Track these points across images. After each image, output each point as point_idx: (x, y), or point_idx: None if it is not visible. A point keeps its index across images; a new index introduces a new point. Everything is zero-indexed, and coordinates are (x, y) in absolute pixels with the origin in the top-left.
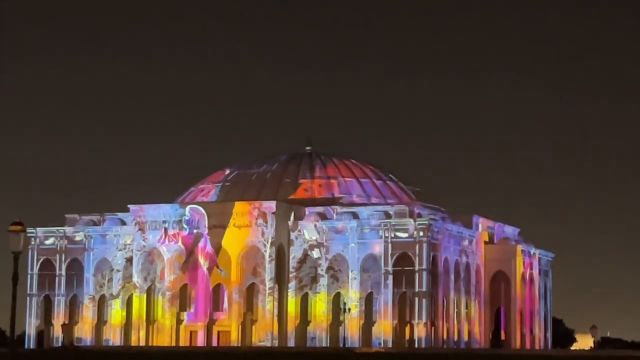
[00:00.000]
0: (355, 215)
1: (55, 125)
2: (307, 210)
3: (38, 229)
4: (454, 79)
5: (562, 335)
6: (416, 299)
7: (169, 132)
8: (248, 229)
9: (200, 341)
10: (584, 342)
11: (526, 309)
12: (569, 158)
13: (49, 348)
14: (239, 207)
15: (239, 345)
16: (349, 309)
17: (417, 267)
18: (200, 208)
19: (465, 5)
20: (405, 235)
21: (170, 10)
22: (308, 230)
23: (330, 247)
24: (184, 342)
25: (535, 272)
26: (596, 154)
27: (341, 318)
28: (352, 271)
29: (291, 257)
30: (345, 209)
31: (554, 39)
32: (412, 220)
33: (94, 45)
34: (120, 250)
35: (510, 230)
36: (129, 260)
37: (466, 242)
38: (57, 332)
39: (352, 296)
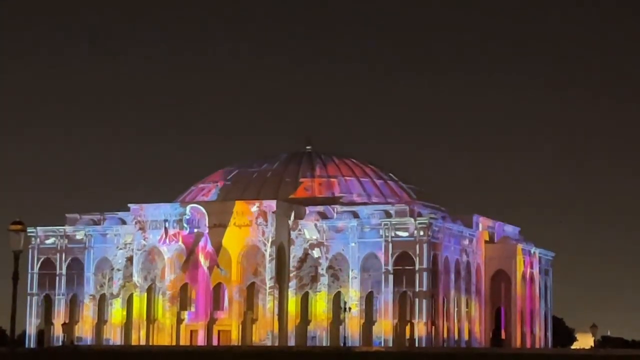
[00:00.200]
0: (355, 215)
1: (56, 125)
2: (308, 209)
3: (38, 228)
4: (454, 79)
5: (563, 334)
6: (416, 298)
7: (169, 131)
8: (248, 228)
9: (201, 340)
10: (584, 341)
11: (526, 308)
12: (569, 157)
13: (50, 347)
14: (240, 206)
15: (240, 344)
16: (350, 308)
17: (417, 267)
18: (201, 207)
19: (465, 5)
20: (405, 234)
21: (171, 11)
22: (308, 229)
23: (331, 246)
24: (184, 341)
25: (536, 271)
26: (596, 154)
27: (342, 317)
28: (352, 270)
29: (291, 256)
30: (345, 208)
31: (554, 39)
32: (412, 219)
33: (94, 45)
34: (121, 249)
35: (510, 230)
36: (130, 259)
37: (466, 241)
38: (58, 331)
39: (353, 295)
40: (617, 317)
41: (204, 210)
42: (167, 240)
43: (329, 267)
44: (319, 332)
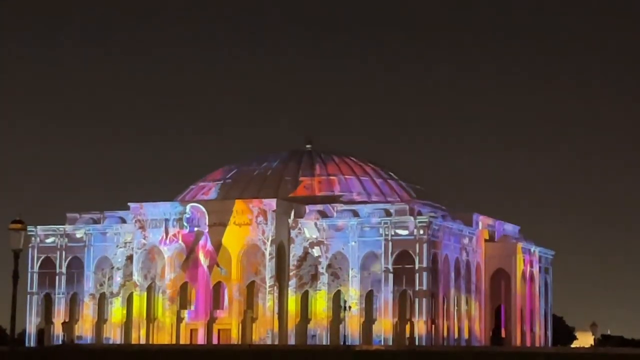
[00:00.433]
0: (355, 213)
1: (56, 124)
2: (308, 208)
3: (38, 227)
4: (454, 77)
5: (563, 333)
6: (416, 296)
7: (169, 130)
8: (248, 227)
9: (201, 339)
10: (584, 340)
11: (526, 306)
12: (570, 156)
13: (50, 346)
14: (240, 205)
15: (240, 343)
16: (350, 307)
17: (417, 265)
18: (201, 206)
19: (465, 3)
20: (405, 233)
21: (171, 10)
22: (308, 228)
23: (331, 245)
24: (184, 340)
25: (536, 269)
26: (596, 152)
27: (341, 316)
28: (352, 269)
29: (291, 255)
30: (345, 207)
31: (555, 38)
32: (412, 218)
33: (94, 45)
34: (121, 248)
35: (510, 228)
36: (130, 258)
37: (466, 240)
38: (58, 330)
39: (353, 294)
40: (617, 315)
41: (203, 209)
42: (168, 241)
43: (329, 266)
44: (319, 330)
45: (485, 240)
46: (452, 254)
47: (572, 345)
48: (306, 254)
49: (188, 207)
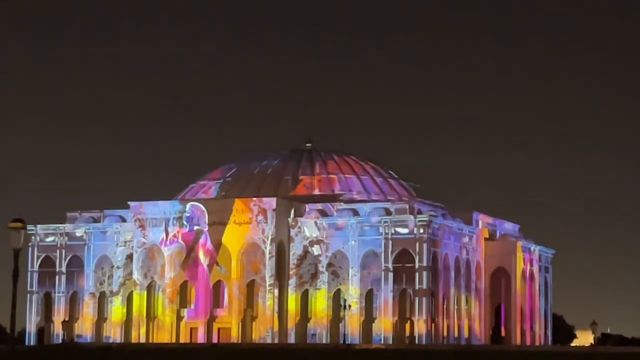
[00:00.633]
0: (355, 212)
1: (56, 123)
2: (307, 207)
3: (38, 225)
4: (454, 76)
5: (563, 331)
6: (416, 295)
7: (169, 129)
8: (248, 225)
9: (201, 338)
10: (584, 339)
11: (526, 305)
12: (569, 154)
13: (50, 345)
14: (239, 203)
15: (239, 341)
16: (349, 306)
17: (417, 264)
18: (201, 205)
19: (465, 3)
20: (405, 231)
21: (171, 9)
22: (308, 227)
23: (331, 243)
24: (184, 339)
25: (536, 268)
26: (597, 150)
27: (341, 315)
28: (352, 268)
29: (291, 253)
30: (345, 206)
31: (555, 38)
32: (412, 216)
33: (94, 43)
34: (121, 247)
35: (510, 227)
36: (129, 257)
37: (466, 239)
38: (58, 329)
39: (353, 293)
40: (617, 314)
41: (203, 208)
42: (169, 242)
43: (329, 265)
44: (319, 329)
45: (485, 239)
46: (452, 253)
47: (572, 344)
48: (306, 252)
49: (188, 206)
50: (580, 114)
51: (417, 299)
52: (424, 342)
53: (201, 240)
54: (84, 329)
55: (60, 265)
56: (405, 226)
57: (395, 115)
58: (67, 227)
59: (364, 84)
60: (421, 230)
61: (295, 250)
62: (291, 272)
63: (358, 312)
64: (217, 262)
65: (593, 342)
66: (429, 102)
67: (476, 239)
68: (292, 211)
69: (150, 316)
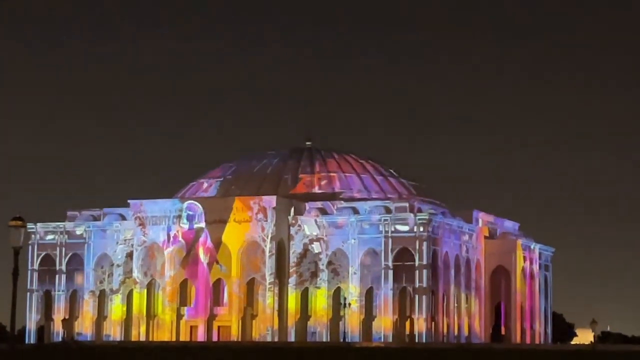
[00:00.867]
0: (355, 210)
1: (56, 121)
2: (307, 205)
3: (38, 224)
4: (454, 75)
5: (562, 330)
6: (416, 294)
7: (169, 127)
8: (248, 224)
9: (201, 336)
10: (584, 337)
11: (526, 303)
12: (570, 153)
13: (50, 343)
14: (239, 202)
15: (239, 340)
16: (349, 304)
17: (417, 262)
18: (200, 203)
19: (465, 3)
20: (405, 230)
21: (171, 7)
22: (308, 225)
23: (331, 242)
24: (184, 337)
25: (536, 266)
26: (597, 149)
27: (341, 313)
28: (352, 266)
29: (291, 252)
30: (345, 204)
31: (555, 38)
32: (412, 215)
33: (94, 41)
34: (121, 245)
35: (510, 225)
36: (129, 255)
37: (466, 237)
38: (58, 327)
39: (353, 291)
40: (617, 312)
41: (203, 206)
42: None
43: (329, 263)
44: (319, 327)
45: (485, 237)
46: (452, 251)
47: (572, 342)
48: (306, 251)
49: (188, 204)
50: (580, 112)
51: (417, 297)
52: (424, 341)
53: (201, 239)
54: (84, 327)
55: (60, 264)
56: (406, 224)
57: (395, 114)
58: (67, 225)
59: (364, 83)
60: (421, 229)
61: (295, 249)
62: (291, 271)
63: (358, 310)
64: (217, 261)
65: (593, 341)
66: (429, 101)
67: (476, 237)
68: (292, 209)
69: (150, 314)
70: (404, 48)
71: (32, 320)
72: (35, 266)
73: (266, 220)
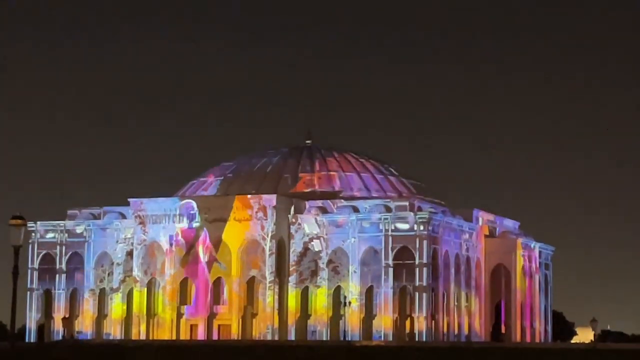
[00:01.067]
0: (355, 209)
1: (56, 120)
2: (308, 204)
3: (38, 222)
4: (454, 73)
5: (563, 328)
6: (416, 292)
7: (169, 125)
8: (248, 222)
9: (201, 335)
10: (584, 336)
11: (526, 302)
12: (570, 151)
13: (50, 342)
14: (239, 200)
15: (240, 338)
16: (350, 303)
17: (417, 261)
18: (200, 202)
19: (465, 3)
20: (405, 228)
21: (170, 6)
22: (308, 223)
23: (331, 240)
24: (184, 335)
25: (536, 265)
26: (597, 147)
27: (341, 312)
28: (352, 265)
29: (291, 250)
30: (345, 203)
31: (555, 37)
32: (412, 213)
33: (93, 40)
34: (121, 243)
35: (510, 224)
36: (130, 253)
37: (466, 236)
38: (58, 325)
39: (353, 290)
40: (617, 311)
41: (203, 205)
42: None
43: (329, 262)
44: (319, 326)
45: (485, 236)
46: (452, 250)
47: (572, 341)
48: (306, 249)
49: (188, 202)
50: (580, 111)
51: (417, 295)
52: (424, 339)
53: (201, 237)
54: (84, 326)
55: (61, 262)
56: (406, 223)
57: (396, 113)
58: (67, 224)
59: (364, 82)
60: (421, 227)
61: (295, 247)
62: (291, 269)
63: (358, 309)
64: (217, 259)
65: (593, 339)
66: (429, 100)
67: (476, 236)
68: (292, 208)
69: (151, 313)
70: (404, 48)
71: (32, 319)
72: (36, 265)
73: (266, 219)
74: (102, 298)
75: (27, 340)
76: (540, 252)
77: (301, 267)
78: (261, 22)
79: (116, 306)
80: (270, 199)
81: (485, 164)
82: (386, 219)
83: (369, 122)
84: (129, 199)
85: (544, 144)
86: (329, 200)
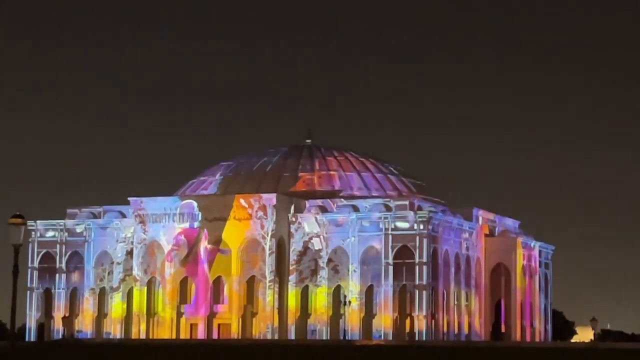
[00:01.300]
0: (355, 208)
1: (56, 119)
2: (308, 203)
3: (38, 221)
4: (454, 73)
5: (563, 327)
6: (416, 291)
7: (169, 125)
8: (248, 221)
9: (201, 334)
10: (584, 335)
11: (526, 301)
12: (569, 150)
13: (50, 341)
14: (239, 199)
15: (239, 337)
16: (349, 302)
17: (417, 260)
18: (200, 201)
19: (466, 3)
20: (405, 227)
21: (170, 5)
22: (308, 223)
23: (331, 239)
24: (184, 335)
25: (536, 264)
26: (597, 146)
27: (341, 311)
28: (352, 264)
29: (291, 249)
30: (345, 202)
31: (555, 37)
32: (412, 213)
33: (94, 39)
34: (121, 242)
35: (510, 223)
36: (129, 253)
37: (466, 235)
38: (58, 325)
39: (353, 289)
40: (617, 310)
41: (203, 204)
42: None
43: (329, 261)
44: (319, 325)
45: (485, 235)
46: (452, 249)
47: (572, 340)
48: (306, 248)
49: (187, 201)
50: (580, 110)
51: (417, 294)
52: (424, 338)
53: (201, 237)
54: (84, 325)
55: (60, 261)
56: (406, 222)
57: (396, 112)
58: (67, 223)
59: (364, 82)
60: (421, 226)
61: (295, 247)
62: (291, 268)
63: (358, 308)
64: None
65: (593, 338)
66: (429, 100)
67: (476, 235)
68: (292, 207)
69: (151, 312)
70: (404, 48)
71: (32, 318)
72: (35, 264)
73: (266, 218)
74: (102, 297)
75: (27, 340)
76: (540, 251)
77: (301, 266)
78: (261, 22)
79: (116, 305)
80: (270, 198)
81: (485, 163)
82: (386, 218)
83: (369, 122)
84: (129, 198)
85: (544, 144)
86: (329, 200)
